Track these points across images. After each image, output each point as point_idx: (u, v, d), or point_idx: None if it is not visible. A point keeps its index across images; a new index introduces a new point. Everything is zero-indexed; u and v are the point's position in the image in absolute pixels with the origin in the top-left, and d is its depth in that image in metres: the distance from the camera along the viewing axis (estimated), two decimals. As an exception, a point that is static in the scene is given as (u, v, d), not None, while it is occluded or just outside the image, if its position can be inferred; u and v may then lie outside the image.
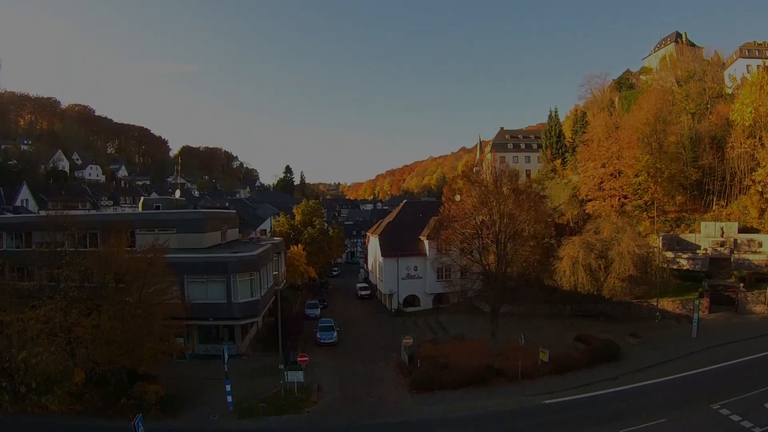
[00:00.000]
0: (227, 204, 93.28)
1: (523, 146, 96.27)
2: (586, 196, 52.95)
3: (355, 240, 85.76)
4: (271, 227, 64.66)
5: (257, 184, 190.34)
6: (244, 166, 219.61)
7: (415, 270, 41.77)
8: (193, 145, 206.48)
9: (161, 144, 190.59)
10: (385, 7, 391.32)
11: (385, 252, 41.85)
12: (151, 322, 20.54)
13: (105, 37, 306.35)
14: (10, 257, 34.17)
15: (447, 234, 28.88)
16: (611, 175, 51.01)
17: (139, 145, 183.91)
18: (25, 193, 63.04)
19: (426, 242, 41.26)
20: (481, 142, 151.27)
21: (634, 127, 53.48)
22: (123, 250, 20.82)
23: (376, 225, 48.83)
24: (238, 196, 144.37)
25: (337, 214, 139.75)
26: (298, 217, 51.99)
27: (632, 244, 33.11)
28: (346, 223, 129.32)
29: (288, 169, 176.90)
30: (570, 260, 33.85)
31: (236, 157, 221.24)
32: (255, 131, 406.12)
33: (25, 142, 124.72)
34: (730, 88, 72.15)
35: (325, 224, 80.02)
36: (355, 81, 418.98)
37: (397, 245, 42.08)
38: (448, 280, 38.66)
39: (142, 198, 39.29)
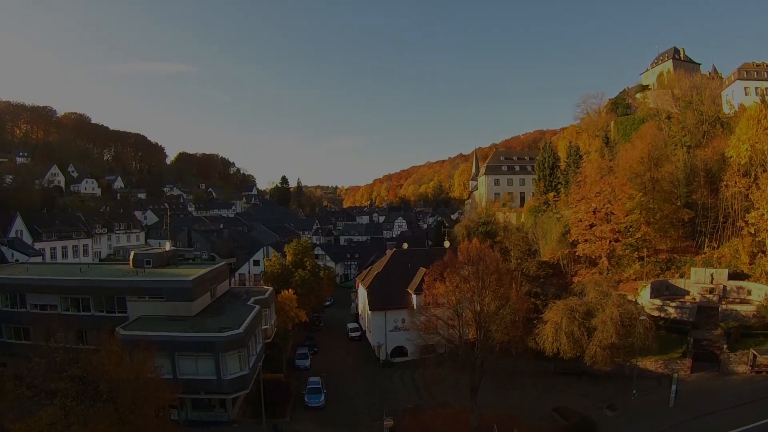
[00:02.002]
0: (221, 225, 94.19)
1: (517, 168, 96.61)
2: (577, 238, 53.51)
3: (349, 263, 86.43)
4: (266, 257, 65.38)
5: (254, 191, 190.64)
6: (241, 172, 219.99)
7: (403, 322, 42.49)
8: (190, 151, 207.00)
9: (158, 151, 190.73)
10: (389, 15, 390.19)
11: (374, 306, 42.61)
12: (145, 421, 21.43)
13: (100, 37, 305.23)
14: (5, 318, 35.11)
15: (426, 320, 29.54)
16: (603, 217, 51.37)
17: (136, 152, 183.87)
18: (18, 224, 63.25)
19: (413, 296, 42.02)
20: (477, 157, 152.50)
21: (627, 166, 53.37)
22: (115, 359, 21.52)
23: (366, 271, 49.55)
24: (233, 208, 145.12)
25: (332, 227, 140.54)
26: (289, 258, 52.64)
27: (615, 312, 33.74)
28: (342, 237, 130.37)
29: (284, 180, 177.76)
30: (553, 326, 34.51)
31: (233, 163, 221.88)
32: (252, 136, 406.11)
33: (21, 154, 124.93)
34: (727, 114, 71.99)
35: (316, 255, 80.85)
36: (353, 88, 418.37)
37: (384, 299, 42.84)
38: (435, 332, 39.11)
39: (132, 252, 39.84)
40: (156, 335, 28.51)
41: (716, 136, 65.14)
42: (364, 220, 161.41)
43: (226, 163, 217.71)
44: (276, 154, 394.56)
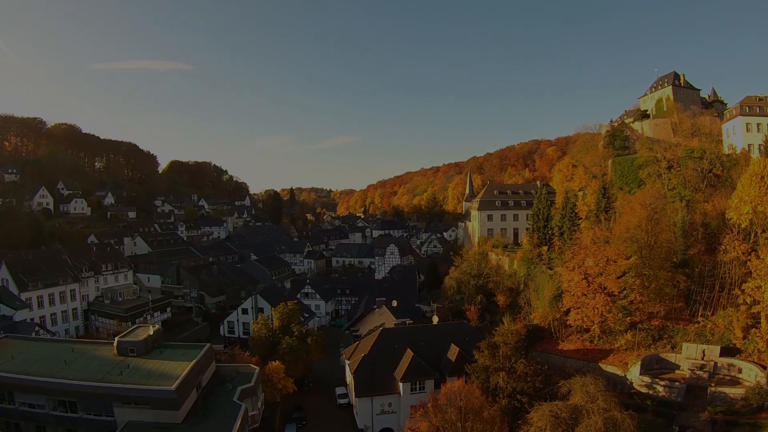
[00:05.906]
0: (210, 259, 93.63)
1: (511, 203, 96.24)
2: (570, 307, 53.35)
3: (340, 299, 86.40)
4: (253, 308, 65.24)
5: (246, 201, 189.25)
6: (234, 179, 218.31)
7: (389, 406, 42.54)
8: (182, 159, 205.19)
9: (149, 159, 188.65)
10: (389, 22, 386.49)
11: (360, 392, 42.41)
12: None
13: (93, 35, 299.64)
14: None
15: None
16: (596, 288, 51.16)
17: (128, 161, 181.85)
18: (4, 272, 62.37)
19: (401, 384, 42.02)
20: (471, 177, 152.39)
21: (624, 231, 52.57)
22: None
23: (354, 347, 49.21)
24: (225, 225, 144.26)
25: (324, 246, 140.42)
26: (276, 323, 52.45)
27: (600, 421, 33.88)
28: (333, 258, 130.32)
29: (277, 195, 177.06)
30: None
31: (226, 171, 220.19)
32: (247, 138, 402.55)
33: (10, 171, 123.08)
34: (727, 155, 71.55)
35: (306, 294, 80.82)
36: (350, 90, 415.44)
37: (371, 384, 42.55)
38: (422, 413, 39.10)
39: (116, 339, 39.69)
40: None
41: (716, 180, 64.83)
42: (357, 237, 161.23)
43: (219, 171, 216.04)
44: (270, 156, 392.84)
